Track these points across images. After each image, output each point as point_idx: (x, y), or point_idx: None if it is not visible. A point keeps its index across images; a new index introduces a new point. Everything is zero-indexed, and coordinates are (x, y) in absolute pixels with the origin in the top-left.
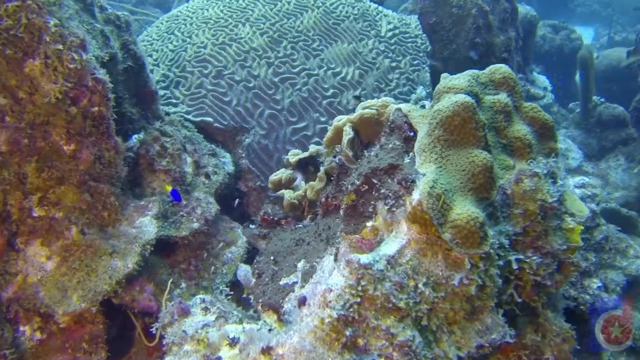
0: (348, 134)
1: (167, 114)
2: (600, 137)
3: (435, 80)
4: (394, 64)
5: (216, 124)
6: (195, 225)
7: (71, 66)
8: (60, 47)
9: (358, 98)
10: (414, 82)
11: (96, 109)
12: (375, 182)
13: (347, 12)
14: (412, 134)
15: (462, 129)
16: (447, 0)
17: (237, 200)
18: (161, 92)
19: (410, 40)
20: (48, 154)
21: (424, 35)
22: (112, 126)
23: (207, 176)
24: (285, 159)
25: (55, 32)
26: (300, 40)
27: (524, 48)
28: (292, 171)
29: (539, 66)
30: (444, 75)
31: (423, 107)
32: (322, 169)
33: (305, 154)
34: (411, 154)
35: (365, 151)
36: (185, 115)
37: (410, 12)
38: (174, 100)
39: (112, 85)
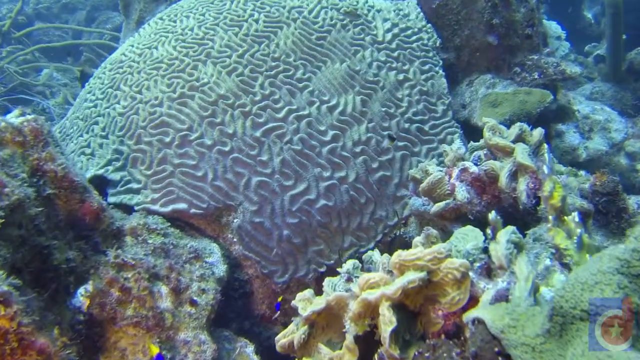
0: (388, 321)
1: (130, 209)
2: (635, 88)
3: (450, 78)
4: (401, 77)
5: (192, 210)
6: None
7: None
8: None
9: (392, 139)
10: (429, 95)
11: None
12: None
13: (332, 19)
14: None
15: None
16: None
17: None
18: (117, 176)
19: (414, 37)
20: None
21: (429, 26)
22: (33, 329)
23: (193, 303)
24: (294, 303)
25: None
26: (279, 72)
27: None
28: (306, 328)
29: (542, 4)
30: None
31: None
32: (349, 336)
33: (321, 306)
34: None
35: (423, 349)
36: (151, 207)
37: None
38: (135, 185)
39: (18, 295)
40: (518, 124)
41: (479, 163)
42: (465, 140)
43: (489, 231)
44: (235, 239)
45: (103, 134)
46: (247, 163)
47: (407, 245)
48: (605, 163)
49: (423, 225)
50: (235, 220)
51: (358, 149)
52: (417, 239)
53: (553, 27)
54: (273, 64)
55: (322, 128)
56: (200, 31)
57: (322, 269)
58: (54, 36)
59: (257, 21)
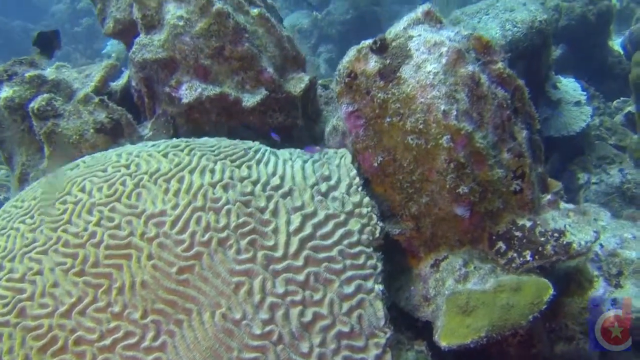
0: None
1: None
2: None
3: (408, 253)
4: (308, 317)
5: None
6: None
7: None
8: None
9: None
10: (354, 336)
11: None
12: None
13: (205, 231)
14: None
15: None
16: (394, 124)
17: None
18: None
19: (337, 235)
20: None
21: (367, 201)
22: None
23: None
24: None
25: None
26: (118, 341)
27: (536, 70)
28: None
29: (557, 48)
30: None
31: None
32: None
33: None
34: None
35: None
36: None
37: (342, 136)
38: None
39: None
40: None
41: None
42: None
43: None
44: None
45: None
46: None
47: None
48: None
49: None
50: None
51: None
52: None
53: (570, 90)
54: (111, 326)
55: None
56: (22, 265)
57: None
58: None
59: (97, 245)
